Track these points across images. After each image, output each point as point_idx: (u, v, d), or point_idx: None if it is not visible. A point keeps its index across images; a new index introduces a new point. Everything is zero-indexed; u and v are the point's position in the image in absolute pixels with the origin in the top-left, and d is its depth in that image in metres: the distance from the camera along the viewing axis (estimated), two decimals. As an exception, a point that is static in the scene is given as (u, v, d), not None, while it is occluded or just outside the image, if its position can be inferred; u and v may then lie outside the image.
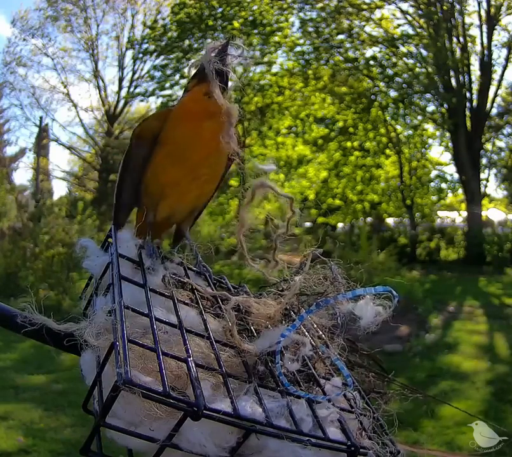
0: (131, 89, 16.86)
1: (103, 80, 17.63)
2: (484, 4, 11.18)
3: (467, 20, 11.41)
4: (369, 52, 12.18)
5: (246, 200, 0.60)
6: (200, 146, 0.63)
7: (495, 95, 11.47)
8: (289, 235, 0.63)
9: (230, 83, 0.64)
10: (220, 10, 12.61)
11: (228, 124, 0.59)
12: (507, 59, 11.43)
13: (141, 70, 16.60)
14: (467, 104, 11.22)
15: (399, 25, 12.16)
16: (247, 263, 0.63)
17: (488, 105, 11.29)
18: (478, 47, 11.38)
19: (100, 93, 17.54)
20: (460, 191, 12.32)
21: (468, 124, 11.16)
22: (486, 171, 12.95)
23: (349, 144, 13.13)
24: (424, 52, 11.72)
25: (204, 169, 0.65)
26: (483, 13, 11.22)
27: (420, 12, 11.62)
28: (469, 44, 11.40)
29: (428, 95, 11.91)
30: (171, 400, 0.40)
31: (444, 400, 2.90)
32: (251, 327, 0.56)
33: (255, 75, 13.15)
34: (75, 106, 17.54)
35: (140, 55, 14.90)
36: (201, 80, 0.64)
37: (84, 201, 12.04)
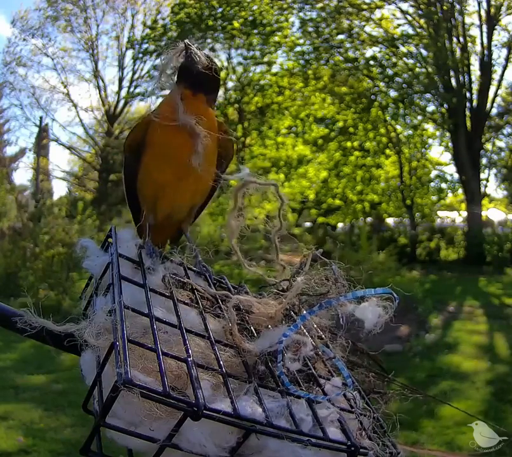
0: (131, 89, 16.86)
1: (103, 80, 17.65)
2: (484, 4, 11.20)
3: (467, 20, 11.43)
4: (369, 53, 12.20)
5: (231, 207, 0.61)
6: (180, 146, 0.64)
7: (495, 95, 11.49)
8: (288, 233, 0.63)
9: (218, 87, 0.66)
10: (220, 10, 12.61)
11: (195, 141, 0.61)
12: (507, 59, 11.44)
13: (141, 70, 16.60)
14: (467, 104, 11.22)
15: (399, 25, 12.18)
16: (244, 267, 0.63)
17: (488, 105, 11.29)
18: (478, 47, 11.40)
19: (100, 93, 17.55)
20: (460, 191, 12.33)
21: (468, 124, 11.15)
22: (486, 171, 12.97)
23: (349, 144, 13.13)
24: (424, 52, 11.73)
25: (191, 167, 0.66)
26: (483, 13, 11.23)
27: (420, 12, 11.62)
28: (469, 44, 11.41)
29: (428, 95, 11.91)
30: (171, 400, 0.40)
31: (444, 400, 2.90)
32: (251, 327, 0.55)
33: (254, 75, 13.17)
34: (75, 106, 17.56)
35: (140, 55, 14.90)
36: (178, 82, 0.66)
37: (84, 201, 12.04)
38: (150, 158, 0.68)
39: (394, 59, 11.95)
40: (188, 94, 0.66)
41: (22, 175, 45.20)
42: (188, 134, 0.63)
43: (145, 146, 0.69)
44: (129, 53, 16.61)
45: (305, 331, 0.57)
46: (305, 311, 0.56)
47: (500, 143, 13.49)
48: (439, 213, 14.14)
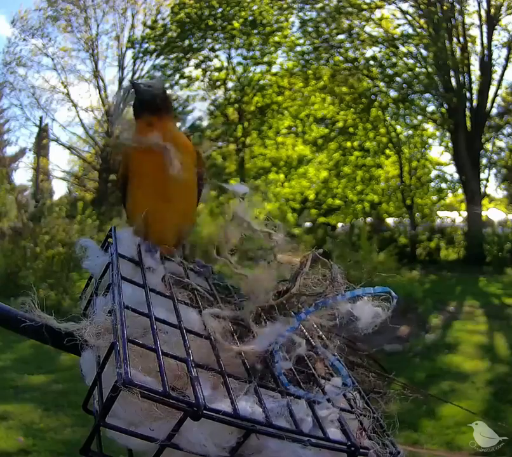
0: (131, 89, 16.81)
1: (103, 80, 17.57)
2: (484, 4, 11.18)
3: (467, 20, 11.41)
4: (369, 53, 12.19)
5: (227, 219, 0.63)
6: (155, 174, 0.66)
7: (495, 95, 11.47)
8: (288, 233, 0.63)
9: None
10: (220, 10, 12.60)
11: (168, 157, 0.64)
12: (507, 59, 11.42)
13: (141, 70, 16.55)
14: (467, 104, 11.22)
15: (399, 25, 12.17)
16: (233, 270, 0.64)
17: (488, 105, 11.28)
18: (478, 47, 11.38)
19: (100, 93, 17.50)
20: (460, 191, 12.32)
21: (468, 124, 11.15)
22: (486, 171, 12.94)
23: (349, 144, 13.12)
24: (424, 52, 11.72)
25: (172, 193, 0.67)
26: (483, 13, 11.22)
27: (420, 12, 11.62)
28: (469, 44, 11.40)
29: (428, 95, 11.91)
30: (171, 400, 0.40)
31: (444, 399, 2.90)
32: (251, 328, 0.55)
33: (255, 75, 13.16)
34: (75, 106, 17.50)
35: (140, 55, 14.88)
36: (139, 113, 0.70)
37: (84, 201, 12.03)
38: (133, 189, 0.71)
39: (394, 60, 11.93)
40: (155, 120, 0.68)
41: (22, 175, 44.91)
42: (159, 153, 0.65)
43: (129, 179, 0.71)
44: (129, 53, 16.58)
45: (304, 330, 0.57)
46: (303, 311, 0.56)
47: (500, 143, 13.47)
48: (439, 213, 14.11)
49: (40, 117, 17.42)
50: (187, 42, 12.96)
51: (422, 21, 11.68)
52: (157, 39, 13.26)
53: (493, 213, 15.17)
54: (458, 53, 11.30)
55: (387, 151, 13.10)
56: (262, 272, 0.59)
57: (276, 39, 12.57)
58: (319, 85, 12.54)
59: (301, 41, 12.43)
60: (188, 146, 0.71)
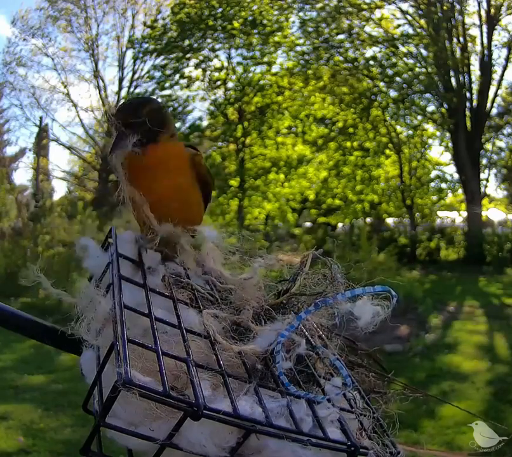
0: (131, 89, 16.83)
1: (103, 80, 17.56)
2: (484, 4, 11.20)
3: (467, 20, 11.42)
4: (369, 53, 12.20)
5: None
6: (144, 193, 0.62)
7: (495, 95, 11.48)
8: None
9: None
10: (220, 10, 12.61)
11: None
12: (507, 59, 11.43)
13: (141, 70, 16.56)
14: (467, 104, 11.22)
15: (399, 25, 12.18)
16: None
17: (488, 105, 11.29)
18: (478, 47, 11.40)
19: (100, 93, 17.49)
20: (460, 191, 12.32)
21: (468, 124, 11.15)
22: (486, 171, 12.95)
23: (349, 144, 13.12)
24: (424, 52, 11.73)
25: (165, 212, 0.63)
26: (483, 13, 11.23)
27: (420, 12, 11.63)
28: (469, 44, 11.41)
29: (428, 95, 11.92)
30: (171, 400, 0.40)
31: (444, 400, 2.90)
32: (249, 325, 0.55)
33: (255, 75, 13.16)
34: (75, 106, 17.50)
35: (140, 55, 14.88)
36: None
37: (84, 201, 12.02)
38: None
39: (394, 60, 11.94)
40: (153, 147, 0.63)
41: (22, 175, 44.86)
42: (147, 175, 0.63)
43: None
44: (129, 53, 16.59)
45: (304, 330, 0.57)
46: (303, 311, 0.56)
47: (500, 143, 13.48)
48: (439, 213, 14.12)
49: (40, 117, 17.44)
50: (187, 42, 12.96)
51: (422, 21, 11.69)
52: (157, 39, 13.26)
53: (493, 213, 15.19)
54: (458, 53, 11.31)
55: (387, 151, 13.11)
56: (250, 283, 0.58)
57: (276, 39, 12.57)
58: (319, 85, 12.54)
59: (301, 41, 12.44)
60: (180, 165, 0.66)
